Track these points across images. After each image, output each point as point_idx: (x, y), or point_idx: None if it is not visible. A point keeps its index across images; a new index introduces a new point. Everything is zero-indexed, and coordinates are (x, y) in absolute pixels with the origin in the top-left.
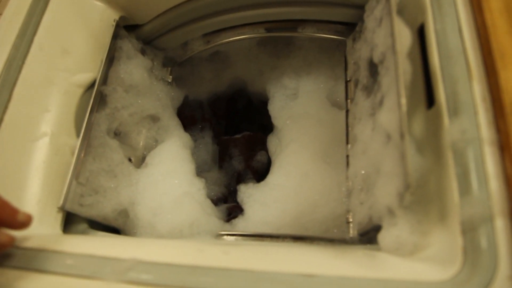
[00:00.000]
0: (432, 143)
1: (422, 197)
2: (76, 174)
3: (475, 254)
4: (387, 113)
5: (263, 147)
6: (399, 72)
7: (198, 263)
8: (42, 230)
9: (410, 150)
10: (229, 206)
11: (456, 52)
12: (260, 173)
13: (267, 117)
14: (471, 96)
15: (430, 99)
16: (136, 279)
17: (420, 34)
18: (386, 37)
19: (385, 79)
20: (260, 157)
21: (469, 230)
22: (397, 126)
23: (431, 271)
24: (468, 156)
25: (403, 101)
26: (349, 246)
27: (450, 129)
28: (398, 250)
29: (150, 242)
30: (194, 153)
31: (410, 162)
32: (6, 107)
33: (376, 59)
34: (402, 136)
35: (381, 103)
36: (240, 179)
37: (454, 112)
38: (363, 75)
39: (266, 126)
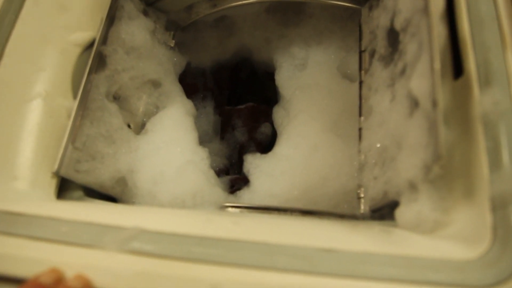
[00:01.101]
0: (459, 115)
1: (446, 172)
2: (73, 138)
3: (506, 232)
4: (417, 80)
5: (267, 119)
6: (433, 35)
7: (206, 234)
8: (35, 196)
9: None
10: (232, 178)
11: (488, 18)
12: (264, 145)
13: (271, 88)
14: (505, 65)
15: (458, 69)
16: (139, 249)
17: None
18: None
19: (410, 46)
20: (264, 129)
21: (499, 207)
22: (428, 94)
23: (456, 249)
24: (499, 129)
25: (437, 66)
26: (363, 222)
27: (481, 100)
28: (418, 227)
29: (153, 210)
30: (195, 122)
31: (442, 130)
32: None
33: (398, 27)
34: (435, 103)
35: (402, 72)
36: (243, 150)
37: (486, 82)
38: (381, 44)
39: (269, 98)
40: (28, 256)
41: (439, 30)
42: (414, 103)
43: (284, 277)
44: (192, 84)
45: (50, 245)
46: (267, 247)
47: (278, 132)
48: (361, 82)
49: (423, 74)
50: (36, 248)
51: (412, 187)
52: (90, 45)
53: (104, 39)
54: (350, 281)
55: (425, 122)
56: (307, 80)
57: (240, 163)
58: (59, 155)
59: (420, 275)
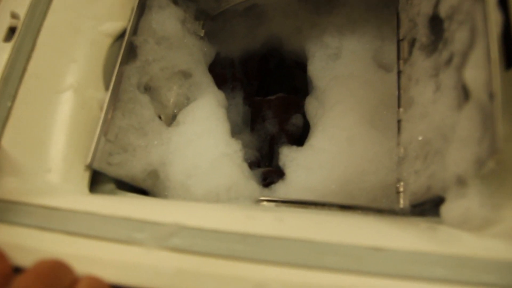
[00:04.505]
0: (511, 107)
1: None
2: (105, 131)
3: None
4: (471, 70)
5: (298, 110)
6: (490, 23)
7: (249, 231)
8: (68, 189)
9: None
10: (264, 170)
11: None
12: (295, 137)
13: (300, 78)
14: None
15: (510, 59)
16: (180, 246)
17: None
18: None
19: (459, 35)
20: (295, 120)
21: None
22: (483, 85)
23: (509, 249)
24: None
25: (495, 55)
26: (406, 218)
27: None
28: (465, 224)
29: (190, 205)
30: None
31: (501, 124)
32: (29, 56)
33: (443, 14)
34: (492, 95)
35: (448, 62)
36: (274, 142)
37: None
38: (422, 32)
39: (299, 88)
40: (66, 252)
41: (496, 17)
42: (464, 94)
43: (333, 277)
44: (221, 74)
45: (87, 241)
46: (315, 245)
47: (311, 124)
48: (399, 72)
49: (477, 64)
50: (73, 244)
51: (461, 182)
52: (121, 35)
53: (135, 29)
54: (401, 281)
55: (478, 114)
56: (341, 70)
57: (271, 155)
58: (92, 148)
59: (473, 276)
